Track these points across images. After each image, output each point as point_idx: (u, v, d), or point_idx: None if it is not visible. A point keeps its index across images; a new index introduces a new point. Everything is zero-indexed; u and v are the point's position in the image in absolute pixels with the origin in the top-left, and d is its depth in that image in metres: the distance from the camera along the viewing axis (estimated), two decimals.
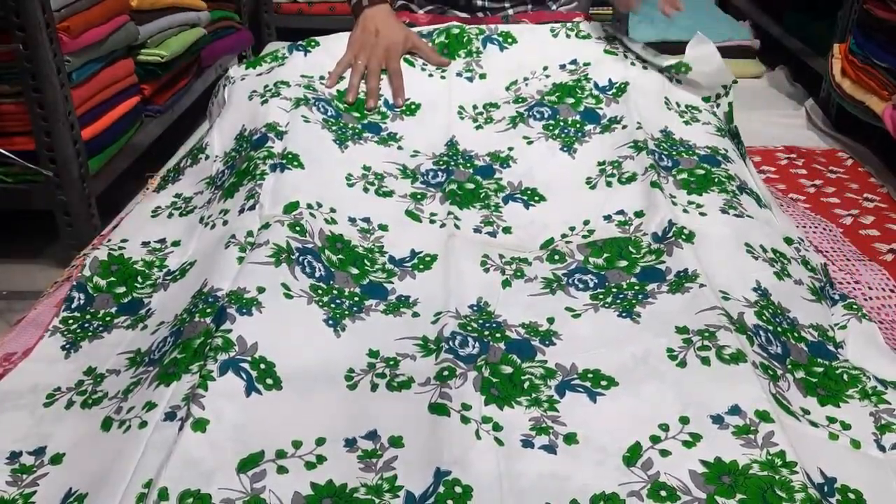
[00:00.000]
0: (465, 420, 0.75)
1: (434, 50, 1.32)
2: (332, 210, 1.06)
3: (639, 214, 1.06)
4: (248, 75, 1.31)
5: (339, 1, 2.65)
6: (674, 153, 1.16)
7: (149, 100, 1.80)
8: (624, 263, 1.00)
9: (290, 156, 1.10)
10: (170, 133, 1.90)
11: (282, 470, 0.71)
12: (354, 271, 0.99)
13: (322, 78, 1.30)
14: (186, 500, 0.66)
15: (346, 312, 0.92)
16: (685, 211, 1.06)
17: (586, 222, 1.08)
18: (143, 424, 0.74)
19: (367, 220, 1.08)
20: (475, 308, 0.93)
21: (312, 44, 1.34)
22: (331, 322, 0.90)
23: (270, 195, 1.04)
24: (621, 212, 1.07)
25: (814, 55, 2.22)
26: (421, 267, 1.02)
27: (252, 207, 1.02)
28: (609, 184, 1.12)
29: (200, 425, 0.72)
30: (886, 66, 1.69)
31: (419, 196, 1.14)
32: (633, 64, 1.29)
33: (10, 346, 0.96)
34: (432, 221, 1.09)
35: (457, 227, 1.07)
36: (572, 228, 1.08)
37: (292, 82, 1.26)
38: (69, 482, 0.73)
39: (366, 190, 1.13)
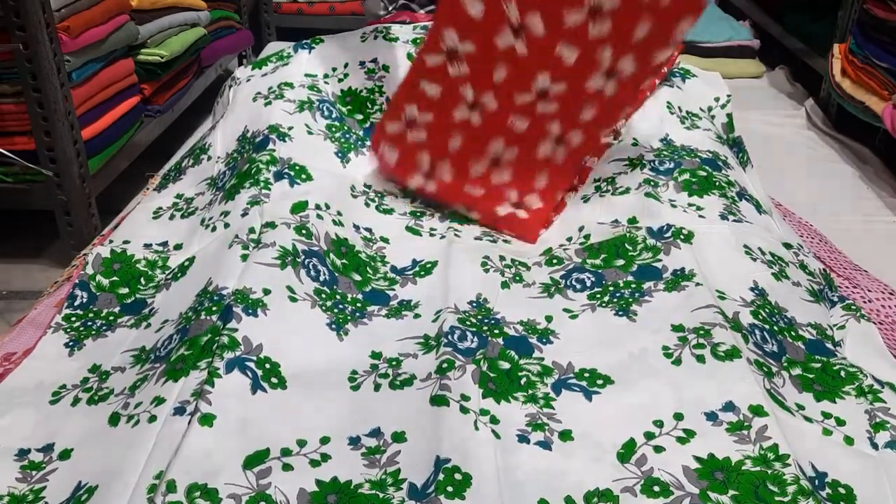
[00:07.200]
0: (464, 410, 0.76)
1: None
2: (339, 213, 1.07)
3: (632, 221, 1.07)
4: (253, 76, 1.32)
5: (339, 1, 2.64)
6: (675, 157, 1.17)
7: (149, 100, 1.80)
8: (621, 262, 1.00)
9: (296, 168, 1.11)
10: (170, 133, 1.90)
11: (287, 467, 0.72)
12: (357, 277, 1.00)
13: (326, 76, 1.30)
14: (194, 494, 0.67)
15: (349, 318, 0.93)
16: (684, 212, 1.06)
17: (581, 228, 1.10)
18: (153, 418, 0.75)
19: (369, 230, 1.10)
20: (474, 304, 0.94)
21: (317, 41, 1.35)
22: (334, 326, 0.90)
23: (278, 198, 1.05)
24: (615, 221, 1.08)
25: (814, 55, 2.22)
26: (422, 273, 1.03)
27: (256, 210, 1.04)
28: (603, 196, 1.14)
29: (208, 420, 0.73)
30: (886, 66, 1.69)
31: (419, 214, 1.16)
32: None
33: (10, 346, 0.96)
34: (432, 235, 1.12)
35: (457, 236, 1.09)
36: (569, 238, 1.09)
37: (296, 83, 1.26)
38: (78, 476, 0.73)
39: (367, 205, 1.15)
